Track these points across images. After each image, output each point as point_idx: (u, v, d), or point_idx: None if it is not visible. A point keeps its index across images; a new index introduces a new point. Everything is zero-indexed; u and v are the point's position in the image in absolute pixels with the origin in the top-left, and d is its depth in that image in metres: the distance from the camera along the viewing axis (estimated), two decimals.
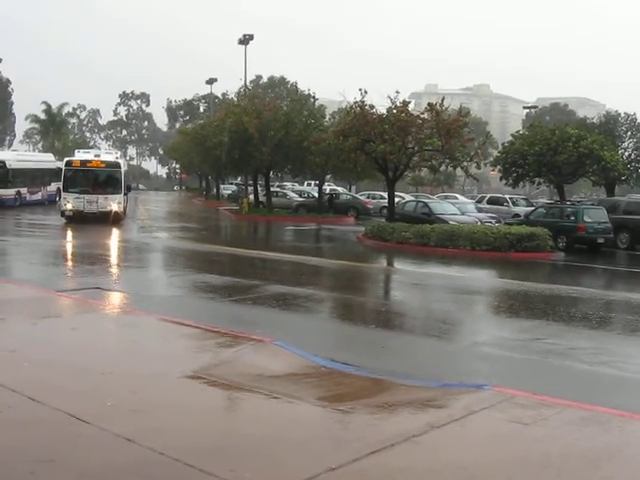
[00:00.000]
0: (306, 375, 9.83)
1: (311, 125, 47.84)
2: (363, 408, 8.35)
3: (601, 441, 7.50)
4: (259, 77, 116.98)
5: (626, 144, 49.20)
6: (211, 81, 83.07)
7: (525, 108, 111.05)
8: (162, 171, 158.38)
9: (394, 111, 33.92)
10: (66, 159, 40.93)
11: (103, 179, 39.22)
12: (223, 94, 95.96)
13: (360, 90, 34.67)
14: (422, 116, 33.93)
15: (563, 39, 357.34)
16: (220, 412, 8.25)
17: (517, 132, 49.21)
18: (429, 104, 33.85)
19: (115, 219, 37.78)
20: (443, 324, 15.21)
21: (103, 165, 39.43)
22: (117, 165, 39.99)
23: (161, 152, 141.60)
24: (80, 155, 41.59)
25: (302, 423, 7.75)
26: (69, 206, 37.93)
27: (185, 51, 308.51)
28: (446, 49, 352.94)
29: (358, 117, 34.13)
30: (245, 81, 65.90)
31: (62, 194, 39.36)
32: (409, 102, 36.60)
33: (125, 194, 40.47)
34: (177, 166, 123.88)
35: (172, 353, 10.69)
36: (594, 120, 53.82)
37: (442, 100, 33.53)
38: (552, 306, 17.43)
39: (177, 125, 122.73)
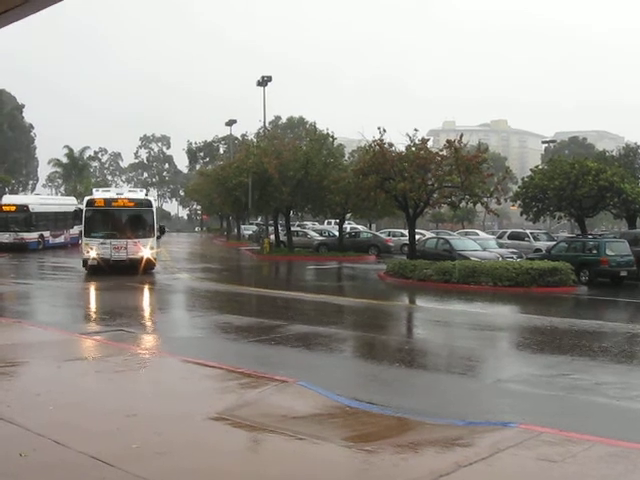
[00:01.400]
0: (330, 415, 9.78)
1: (330, 164, 48.07)
2: (389, 448, 8.29)
3: (632, 478, 7.39)
4: (278, 118, 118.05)
5: None
6: (230, 122, 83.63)
7: (544, 142, 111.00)
8: (183, 212, 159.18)
9: (413, 149, 34.10)
10: (87, 198, 34.64)
11: (132, 220, 33.96)
12: (242, 135, 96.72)
13: (379, 128, 34.93)
14: (441, 153, 34.08)
15: (579, 73, 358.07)
16: (245, 454, 8.22)
17: (536, 167, 49.18)
18: (448, 141, 33.97)
19: (147, 267, 33.24)
20: (467, 361, 15.12)
21: (131, 204, 34.21)
22: (148, 203, 34.59)
23: (182, 194, 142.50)
24: (102, 194, 35.65)
25: (328, 464, 7.70)
26: (92, 254, 32.51)
27: (204, 93, 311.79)
28: (462, 85, 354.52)
29: (377, 155, 34.30)
30: (264, 122, 66.20)
31: (83, 239, 33.66)
32: (428, 139, 36.76)
33: (158, 237, 34.97)
34: (198, 207, 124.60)
35: (196, 394, 10.68)
36: (613, 153, 53.77)
37: (460, 137, 33.66)
38: (576, 341, 17.29)
39: (197, 166, 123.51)
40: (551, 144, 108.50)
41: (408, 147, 34.38)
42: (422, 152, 33.83)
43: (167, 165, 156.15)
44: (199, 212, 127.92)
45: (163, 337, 16.90)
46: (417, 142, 34.45)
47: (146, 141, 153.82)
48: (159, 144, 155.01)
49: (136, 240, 32.90)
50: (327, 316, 22.06)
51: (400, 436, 8.92)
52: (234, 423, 9.04)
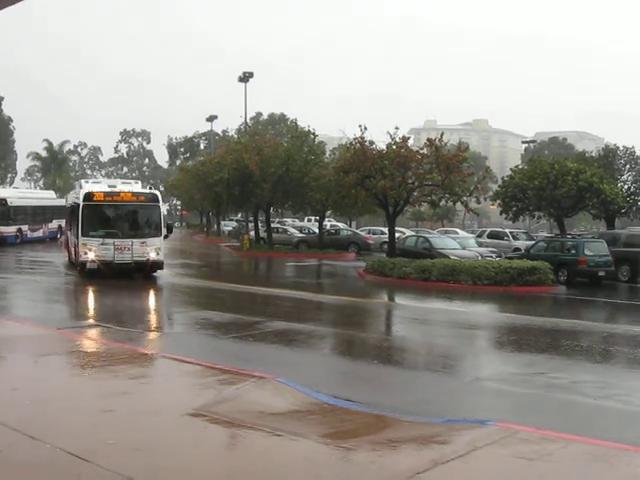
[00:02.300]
0: (309, 412, 9.78)
1: (311, 161, 47.99)
2: (367, 445, 8.29)
3: (608, 476, 7.44)
4: (259, 114, 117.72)
5: (625, 177, 49.29)
6: (211, 118, 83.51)
7: (524, 142, 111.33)
8: (163, 208, 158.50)
9: (394, 147, 34.10)
10: (84, 191, 29.29)
11: (137, 217, 30.13)
12: (223, 131, 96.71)
13: (360, 126, 34.88)
14: (422, 151, 34.07)
15: (559, 74, 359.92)
16: (222, 450, 8.20)
17: (516, 166, 49.38)
18: (428, 139, 33.99)
19: (152, 270, 29.64)
20: (445, 359, 15.17)
21: (136, 199, 29.86)
22: (154, 198, 30.36)
23: (162, 189, 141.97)
24: (102, 186, 31.34)
25: (305, 461, 7.70)
26: (91, 255, 28.06)
27: (185, 89, 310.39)
28: (444, 84, 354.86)
29: (358, 153, 34.27)
30: (245, 118, 66.25)
31: (80, 239, 28.57)
32: (408, 138, 36.78)
33: (165, 236, 30.85)
34: (178, 203, 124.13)
35: (174, 390, 10.65)
36: (593, 154, 53.99)
37: (441, 135, 33.69)
38: (554, 340, 17.38)
39: (178, 162, 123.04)
40: (531, 144, 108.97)
41: (389, 145, 34.36)
42: (403, 150, 33.83)
43: (147, 160, 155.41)
44: (179, 208, 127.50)
45: (141, 333, 16.82)
46: (398, 140, 34.45)
47: (126, 136, 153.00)
48: (139, 139, 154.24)
49: (142, 240, 28.88)
50: (306, 313, 22.06)
51: (378, 433, 8.92)
52: (212, 419, 9.01)
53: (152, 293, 26.44)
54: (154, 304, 24.22)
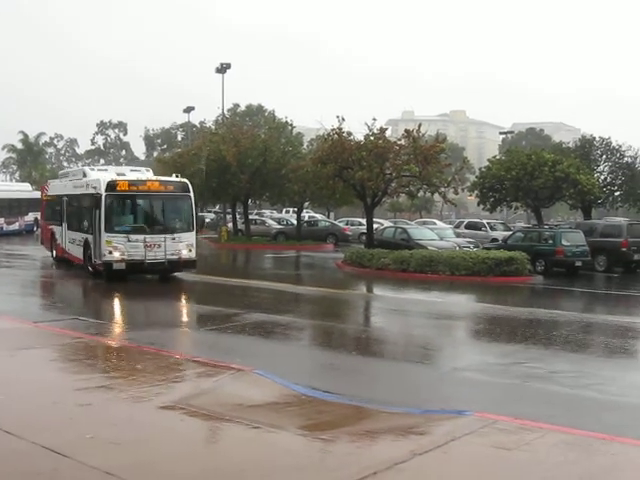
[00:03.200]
0: (287, 404, 9.76)
1: (289, 153, 47.96)
2: (345, 436, 8.29)
3: (585, 465, 7.48)
4: (237, 105, 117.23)
5: (601, 168, 49.56)
6: (189, 109, 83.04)
7: (501, 133, 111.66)
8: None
9: (371, 138, 34.09)
10: (106, 180, 25.20)
11: (168, 210, 26.74)
12: (201, 122, 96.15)
13: (337, 117, 34.86)
14: (399, 142, 34.12)
15: (537, 64, 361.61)
16: (200, 443, 8.16)
17: (494, 157, 49.52)
18: (406, 130, 34.03)
19: (183, 268, 26.57)
20: (424, 350, 15.21)
21: (165, 188, 26.36)
22: (186, 187, 26.72)
23: None
24: (123, 175, 27.14)
25: (284, 453, 7.68)
26: (117, 254, 24.52)
27: (162, 80, 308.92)
28: (422, 76, 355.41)
29: (336, 144, 34.24)
30: (223, 109, 65.93)
31: (102, 236, 24.70)
32: (386, 129, 36.83)
33: (197, 232, 28.09)
34: None
35: (152, 383, 10.59)
36: (570, 144, 54.25)
37: (419, 126, 33.75)
38: (532, 330, 17.48)
39: (155, 154, 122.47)
40: (509, 135, 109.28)
41: (367, 136, 34.36)
42: (380, 141, 33.85)
43: (124, 152, 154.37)
44: None
45: (119, 325, 16.76)
46: (375, 131, 34.46)
47: (103, 127, 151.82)
48: (116, 130, 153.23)
49: (174, 235, 25.57)
50: (285, 304, 22.05)
51: (356, 424, 8.92)
52: (190, 412, 8.98)
53: (128, 286, 26.23)
54: (130, 297, 24.02)
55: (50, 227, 33.49)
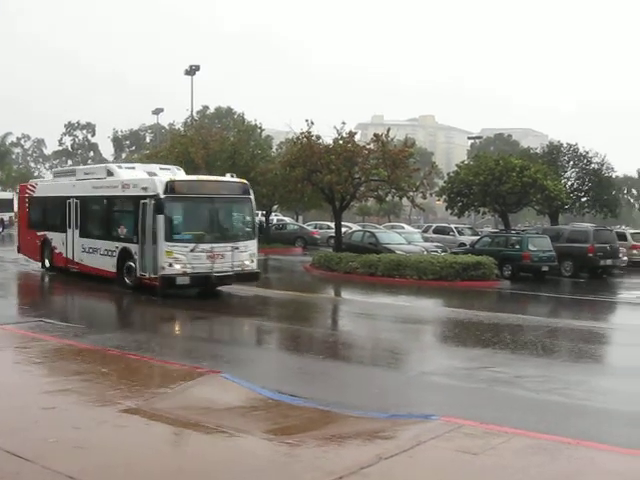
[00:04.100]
0: (253, 407, 9.72)
1: (258, 156, 47.84)
2: (311, 440, 8.25)
3: (550, 469, 7.50)
4: (206, 107, 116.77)
5: (569, 174, 50.09)
6: (157, 111, 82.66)
7: (470, 139, 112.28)
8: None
9: (340, 142, 34.10)
10: (164, 181, 21.90)
11: (230, 215, 23.85)
12: (170, 124, 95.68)
13: (307, 121, 34.82)
14: (368, 147, 34.17)
15: (506, 71, 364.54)
16: (165, 447, 8.08)
17: (462, 162, 49.74)
18: (375, 135, 34.11)
19: (247, 281, 23.43)
20: (391, 354, 15.21)
21: (227, 190, 23.64)
22: (247, 189, 23.95)
23: None
24: (157, 173, 24.31)
25: (249, 457, 7.62)
26: (178, 267, 21.13)
27: (132, 81, 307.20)
28: (393, 80, 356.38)
29: (305, 148, 34.21)
30: (192, 111, 65.68)
31: (162, 245, 21.15)
32: (355, 133, 36.83)
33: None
34: None
35: (116, 386, 10.48)
36: (537, 150, 54.70)
37: (388, 131, 33.83)
38: (498, 334, 17.56)
39: (123, 155, 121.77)
40: (477, 140, 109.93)
41: (336, 140, 34.38)
42: (349, 145, 33.88)
43: (92, 153, 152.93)
44: None
45: (83, 327, 16.55)
46: (344, 135, 34.48)
47: (71, 128, 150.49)
48: (84, 131, 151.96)
49: (238, 244, 22.47)
50: (252, 308, 22.00)
51: (323, 429, 8.89)
52: (154, 416, 8.89)
53: (92, 285, 25.91)
54: (95, 299, 23.72)
55: (41, 233, 28.95)
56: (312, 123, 34.70)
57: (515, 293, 28.12)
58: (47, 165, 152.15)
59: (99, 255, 24.52)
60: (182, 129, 68.33)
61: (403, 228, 57.95)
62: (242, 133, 50.70)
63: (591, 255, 33.35)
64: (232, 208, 23.64)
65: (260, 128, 51.89)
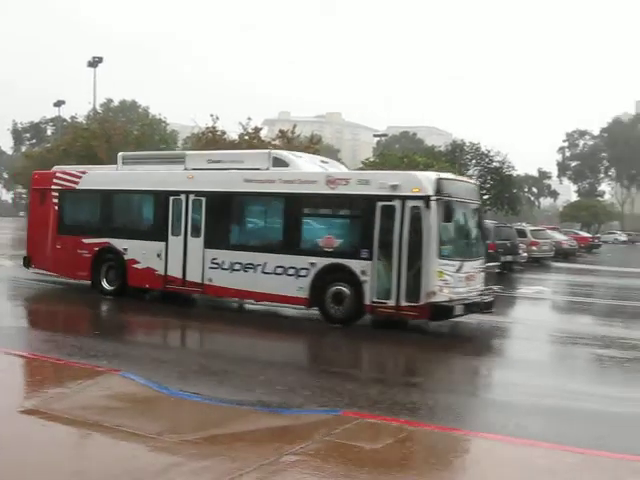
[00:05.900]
0: (153, 405, 9.59)
1: (163, 150, 47.40)
2: (212, 438, 8.19)
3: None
4: (110, 100, 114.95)
5: (471, 172, 51.20)
6: (59, 103, 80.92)
7: (375, 136, 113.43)
8: (7, 196, 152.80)
9: (246, 137, 34.08)
10: (435, 177, 16.84)
11: (479, 227, 18.86)
12: (72, 117, 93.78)
13: (212, 116, 34.68)
14: (274, 142, 34.23)
15: (397, 71, 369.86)
16: (62, 448, 7.89)
17: (367, 159, 50.34)
18: (281, 131, 34.28)
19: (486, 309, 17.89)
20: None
21: (476, 196, 19.52)
22: (479, 193, 21.21)
23: (6, 176, 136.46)
24: (325, 167, 20.08)
25: (146, 456, 7.51)
26: (446, 291, 16.30)
27: (33, 71, 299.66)
28: (300, 80, 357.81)
29: (210, 143, 34.04)
30: (94, 104, 64.44)
31: (428, 264, 16.16)
32: (261, 129, 36.92)
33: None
34: (23, 191, 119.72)
35: (11, 387, 10.20)
36: (441, 148, 55.74)
37: (294, 127, 34.02)
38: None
39: (23, 149, 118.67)
40: (382, 137, 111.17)
41: (241, 135, 34.33)
42: (255, 141, 33.90)
43: None
44: (24, 196, 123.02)
45: None
46: (250, 131, 34.47)
47: None
48: None
49: (482, 263, 18.71)
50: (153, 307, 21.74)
51: (224, 426, 8.83)
52: (52, 416, 8.67)
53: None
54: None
55: (97, 241, 21.42)
56: (217, 118, 34.69)
57: None
58: None
59: (260, 274, 18.30)
60: (84, 122, 67.11)
61: None
62: (146, 127, 50.13)
63: (492, 252, 34.09)
64: (478, 217, 18.81)
65: (165, 122, 51.37)
